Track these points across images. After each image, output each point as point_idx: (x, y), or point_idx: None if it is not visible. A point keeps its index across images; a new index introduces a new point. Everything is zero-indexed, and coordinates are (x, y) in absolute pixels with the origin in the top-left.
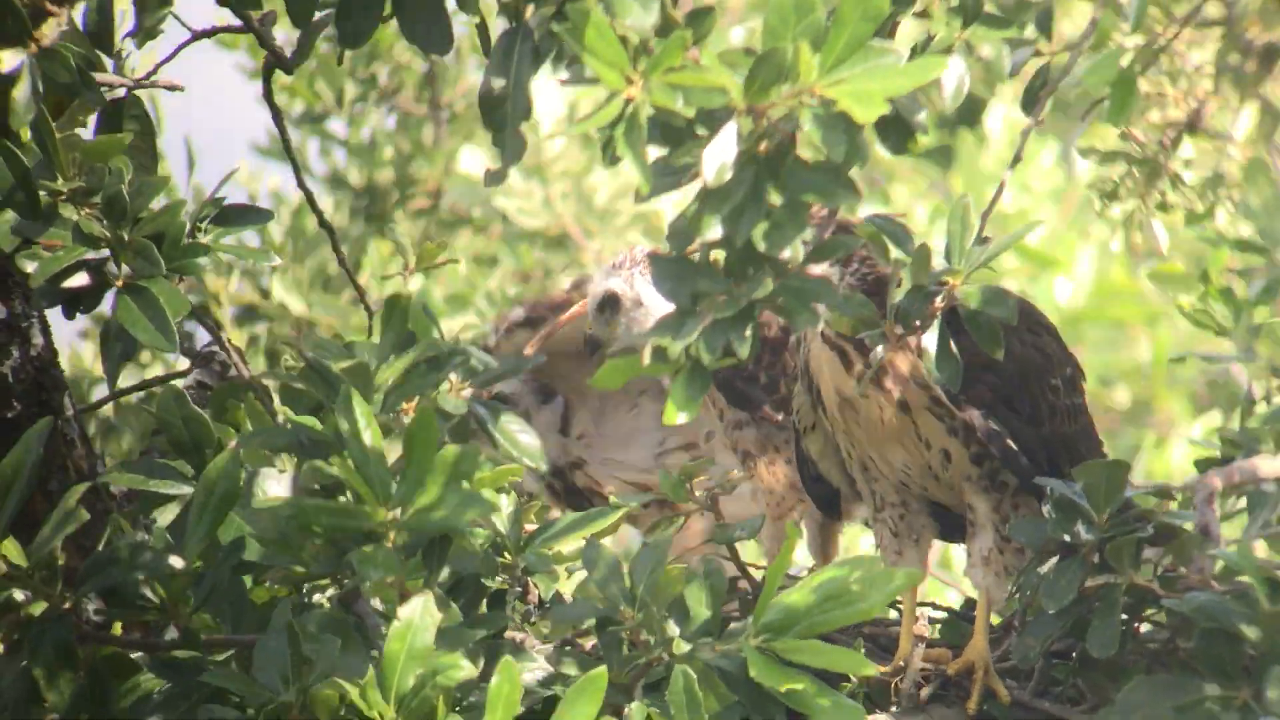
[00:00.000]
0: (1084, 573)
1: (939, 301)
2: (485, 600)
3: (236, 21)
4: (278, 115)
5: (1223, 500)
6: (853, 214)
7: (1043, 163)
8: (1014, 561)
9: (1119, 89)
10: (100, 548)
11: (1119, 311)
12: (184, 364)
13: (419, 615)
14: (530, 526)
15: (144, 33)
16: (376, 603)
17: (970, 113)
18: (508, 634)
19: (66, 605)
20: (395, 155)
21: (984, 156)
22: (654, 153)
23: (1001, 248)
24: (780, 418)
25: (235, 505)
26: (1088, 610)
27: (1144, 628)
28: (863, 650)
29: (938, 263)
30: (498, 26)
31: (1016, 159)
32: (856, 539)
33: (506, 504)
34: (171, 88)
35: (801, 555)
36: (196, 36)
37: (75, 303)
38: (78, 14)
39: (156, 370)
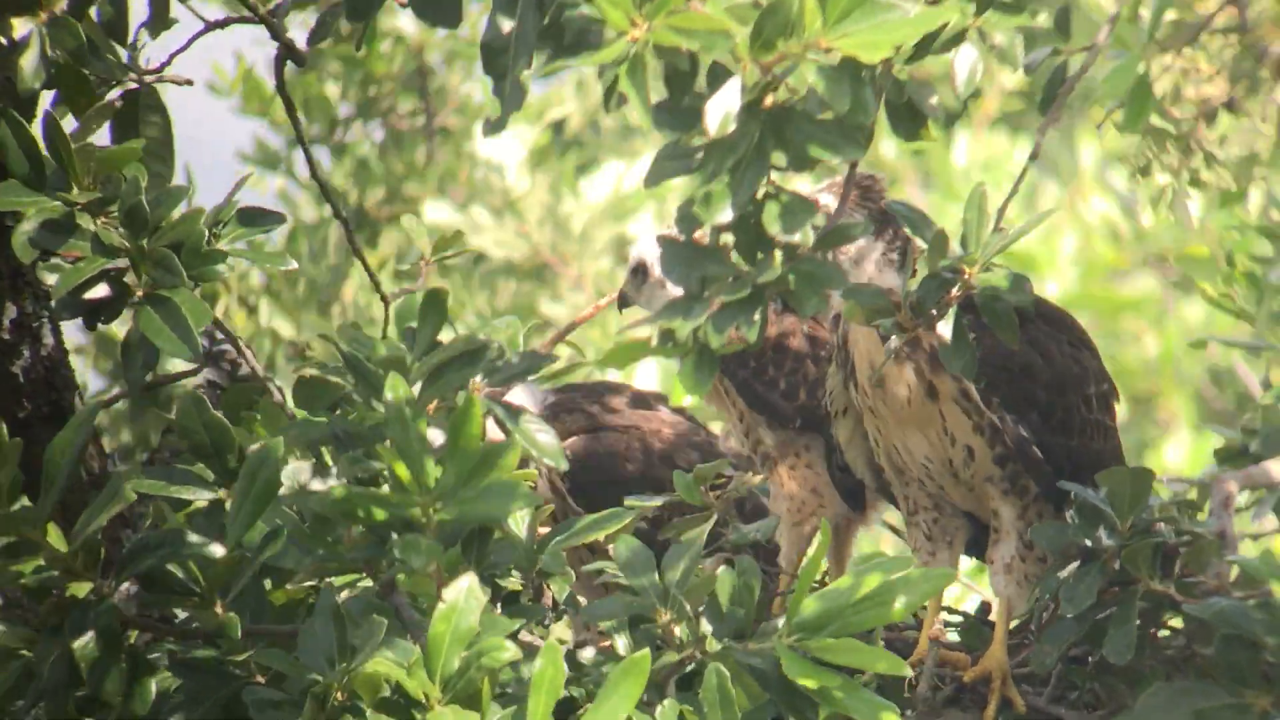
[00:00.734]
0: (1103, 578)
1: (955, 291)
2: (500, 602)
3: (246, 14)
4: (290, 107)
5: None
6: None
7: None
8: (1035, 570)
9: (1135, 96)
10: (139, 535)
11: (1109, 296)
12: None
13: (464, 598)
14: (544, 529)
15: (157, 23)
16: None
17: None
18: (522, 637)
19: (107, 591)
20: (387, 174)
21: (954, 153)
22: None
23: (1019, 234)
24: (798, 423)
25: (276, 495)
26: (1105, 616)
27: (1162, 634)
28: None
29: (954, 249)
30: None
31: (1034, 154)
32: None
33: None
34: (181, 82)
35: None
36: (210, 27)
37: (96, 313)
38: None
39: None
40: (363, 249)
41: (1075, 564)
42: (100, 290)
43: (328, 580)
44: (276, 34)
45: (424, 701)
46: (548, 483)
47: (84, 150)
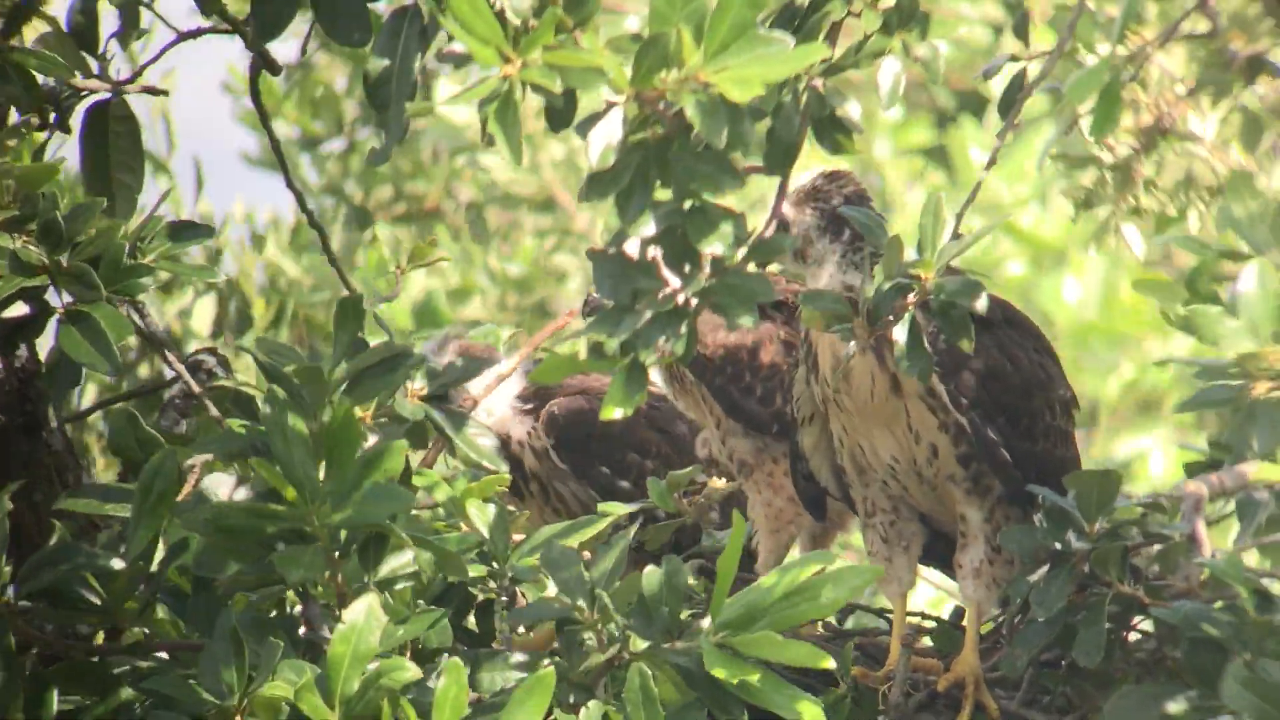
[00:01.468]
0: (1073, 581)
1: (911, 297)
2: (474, 609)
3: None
4: (265, 117)
5: (1209, 506)
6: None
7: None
8: (1004, 573)
9: (1103, 102)
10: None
11: (1126, 325)
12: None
13: (363, 618)
14: (518, 536)
15: (128, 34)
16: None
17: (975, 105)
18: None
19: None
20: (393, 171)
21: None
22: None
23: (973, 240)
24: (775, 430)
25: (172, 505)
26: (1076, 619)
27: (1132, 637)
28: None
29: (909, 255)
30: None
31: (991, 162)
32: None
33: (492, 513)
34: (155, 91)
35: None
36: (182, 37)
37: (16, 334)
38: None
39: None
40: (369, 248)
41: (1045, 567)
42: (19, 309)
43: (241, 593)
44: (250, 44)
45: None
46: (530, 449)
47: (1, 169)
